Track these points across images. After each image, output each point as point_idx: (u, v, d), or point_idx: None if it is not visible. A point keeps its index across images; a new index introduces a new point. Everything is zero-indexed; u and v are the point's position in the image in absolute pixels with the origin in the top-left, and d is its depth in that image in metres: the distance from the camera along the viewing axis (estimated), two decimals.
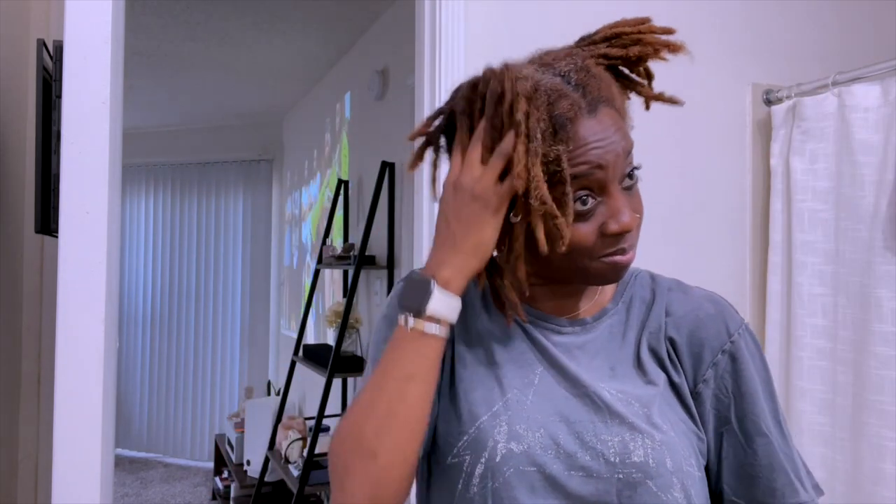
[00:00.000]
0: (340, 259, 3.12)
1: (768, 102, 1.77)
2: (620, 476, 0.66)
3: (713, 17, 1.77)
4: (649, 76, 0.74)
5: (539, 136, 0.62)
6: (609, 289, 0.78)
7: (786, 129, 1.71)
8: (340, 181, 3.45)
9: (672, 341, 0.74)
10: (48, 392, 1.39)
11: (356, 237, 3.25)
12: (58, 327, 1.19)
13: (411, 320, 0.66)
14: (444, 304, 0.66)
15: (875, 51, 1.86)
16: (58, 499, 1.17)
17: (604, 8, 1.72)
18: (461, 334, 0.76)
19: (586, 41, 0.73)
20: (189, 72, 3.83)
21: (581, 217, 0.66)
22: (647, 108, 0.75)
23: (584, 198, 0.65)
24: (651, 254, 1.73)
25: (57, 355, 1.19)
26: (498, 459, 0.67)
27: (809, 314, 1.62)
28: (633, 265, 0.73)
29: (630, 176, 0.67)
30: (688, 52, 0.69)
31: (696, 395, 0.73)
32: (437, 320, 0.66)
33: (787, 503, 0.72)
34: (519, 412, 0.69)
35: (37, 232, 1.29)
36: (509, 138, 0.64)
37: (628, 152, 0.67)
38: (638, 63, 0.72)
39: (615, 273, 0.69)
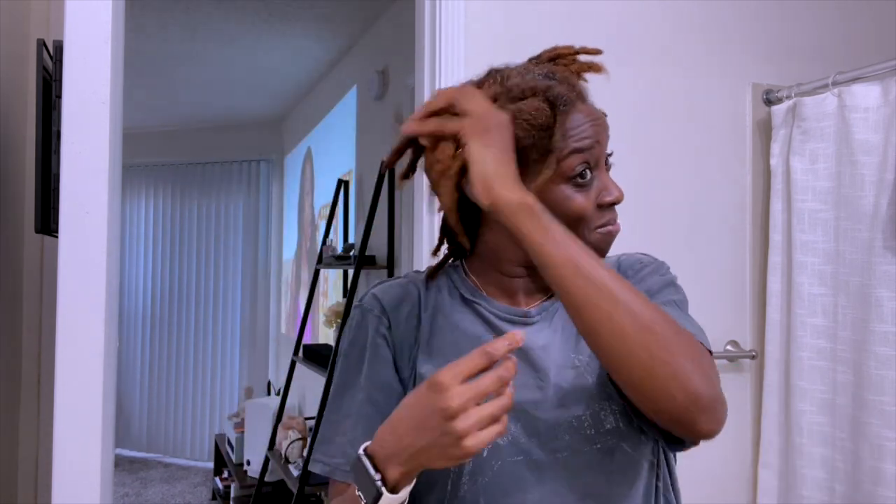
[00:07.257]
0: (340, 259, 3.11)
1: (768, 102, 1.77)
2: (598, 446, 0.71)
3: (714, 16, 1.76)
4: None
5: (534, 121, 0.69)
6: None
7: (786, 129, 1.71)
8: (340, 181, 3.45)
9: None
10: (48, 392, 1.39)
11: (356, 237, 3.25)
12: (58, 327, 1.19)
13: None
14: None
15: (875, 51, 1.86)
16: (58, 499, 1.17)
17: (602, 8, 1.73)
18: (427, 325, 0.77)
19: (535, 61, 0.80)
20: (189, 72, 3.83)
21: (582, 188, 0.73)
22: None
23: (584, 171, 0.72)
24: (651, 253, 1.73)
25: (57, 355, 1.19)
26: (485, 455, 0.68)
27: (809, 314, 1.62)
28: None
29: (607, 159, 0.77)
30: (606, 72, 0.77)
31: None
32: None
33: None
34: None
35: (37, 232, 1.29)
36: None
37: (609, 136, 0.76)
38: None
39: (607, 244, 0.76)
